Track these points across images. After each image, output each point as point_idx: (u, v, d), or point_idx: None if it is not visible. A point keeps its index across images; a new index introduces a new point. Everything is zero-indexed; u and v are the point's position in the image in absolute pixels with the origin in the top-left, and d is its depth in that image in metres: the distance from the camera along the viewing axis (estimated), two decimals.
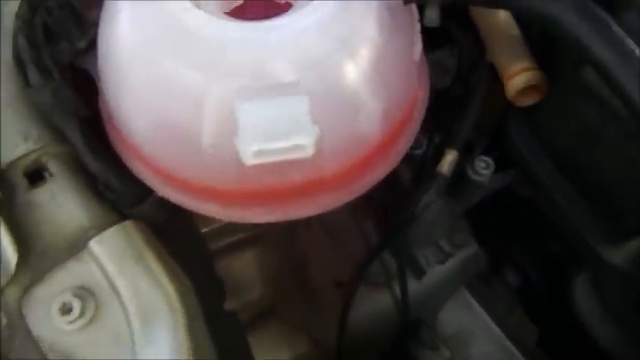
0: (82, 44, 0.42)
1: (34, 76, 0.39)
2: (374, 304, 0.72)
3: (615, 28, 0.31)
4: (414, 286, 0.72)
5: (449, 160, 0.42)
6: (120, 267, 0.35)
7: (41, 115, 0.40)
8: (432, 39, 0.53)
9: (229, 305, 0.63)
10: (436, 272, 0.73)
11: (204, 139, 0.33)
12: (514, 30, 0.41)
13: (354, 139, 0.36)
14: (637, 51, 0.31)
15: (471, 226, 0.74)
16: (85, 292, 0.34)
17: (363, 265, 0.61)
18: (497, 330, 0.84)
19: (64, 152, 0.40)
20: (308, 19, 0.32)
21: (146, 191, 0.40)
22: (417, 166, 0.52)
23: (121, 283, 0.34)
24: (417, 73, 0.40)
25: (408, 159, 0.58)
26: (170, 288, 0.34)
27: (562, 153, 0.40)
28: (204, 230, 0.65)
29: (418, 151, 0.57)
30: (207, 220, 0.66)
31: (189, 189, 0.38)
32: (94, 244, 0.35)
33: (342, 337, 0.65)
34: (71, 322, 0.33)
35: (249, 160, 0.31)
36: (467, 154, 0.45)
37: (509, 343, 0.86)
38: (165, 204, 0.40)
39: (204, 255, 0.49)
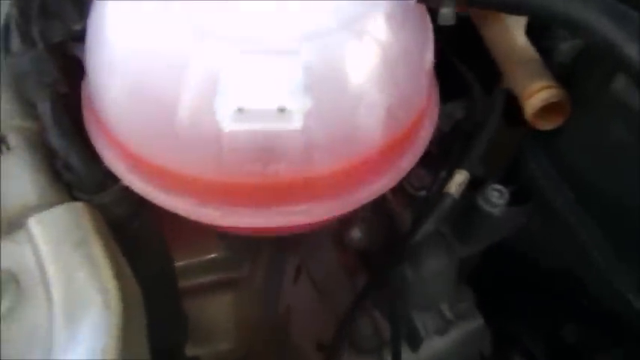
0: (76, 27, 0.40)
1: (16, 43, 0.37)
2: None
3: None
4: (408, 357, 0.64)
5: (458, 180, 0.37)
6: (56, 252, 0.29)
7: (14, 85, 0.37)
8: (442, 89, 0.52)
9: (194, 351, 0.54)
10: (434, 344, 0.65)
11: (182, 111, 0.29)
12: (532, 52, 0.38)
13: (353, 134, 0.31)
14: None
15: (476, 299, 0.67)
16: (8, 278, 0.28)
17: (344, 320, 0.53)
18: None
19: (27, 127, 0.36)
20: None
21: (109, 179, 0.35)
22: (419, 208, 0.47)
23: (52, 271, 0.28)
24: (427, 87, 0.37)
25: (409, 201, 0.54)
26: (111, 284, 0.28)
27: (586, 183, 0.35)
28: (178, 264, 0.59)
29: (422, 193, 0.52)
30: (182, 253, 0.60)
31: (158, 177, 0.33)
32: (33, 224, 0.30)
33: None
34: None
35: (227, 123, 0.26)
36: (477, 188, 0.40)
37: None
38: (128, 197, 0.35)
39: (167, 273, 0.42)
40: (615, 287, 0.34)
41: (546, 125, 0.36)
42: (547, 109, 0.36)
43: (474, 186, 0.42)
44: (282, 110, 0.26)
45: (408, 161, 0.36)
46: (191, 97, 0.28)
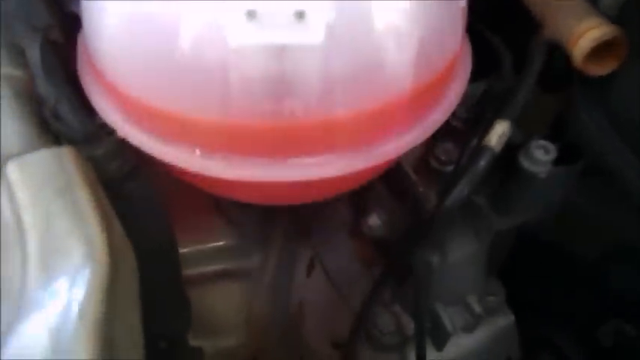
0: None
1: None
2: None
3: None
4: (432, 356, 0.58)
5: (499, 131, 0.32)
6: (35, 199, 0.24)
7: (4, 30, 0.33)
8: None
9: (196, 341, 0.49)
10: (461, 342, 0.59)
11: (183, 37, 0.25)
12: None
13: (380, 68, 0.27)
14: None
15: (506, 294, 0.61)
16: None
17: (361, 313, 0.48)
18: None
19: (17, 76, 0.32)
20: None
21: (102, 130, 0.31)
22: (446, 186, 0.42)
23: (28, 219, 0.24)
24: (462, 30, 0.33)
25: (435, 178, 0.49)
26: (98, 235, 0.24)
27: None
28: (182, 251, 0.54)
29: (449, 168, 0.47)
30: (188, 239, 0.56)
31: (157, 124, 0.29)
32: (11, 169, 0.26)
33: None
34: None
35: (235, 35, 0.22)
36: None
37: None
38: (123, 151, 0.31)
39: (167, 248, 0.37)
40: None
41: (599, 70, 0.31)
42: (599, 52, 0.31)
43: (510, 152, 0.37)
44: (300, 16, 0.22)
45: (440, 113, 0.32)
46: (193, 19, 0.24)
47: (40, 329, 0.20)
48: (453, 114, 0.52)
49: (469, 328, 0.57)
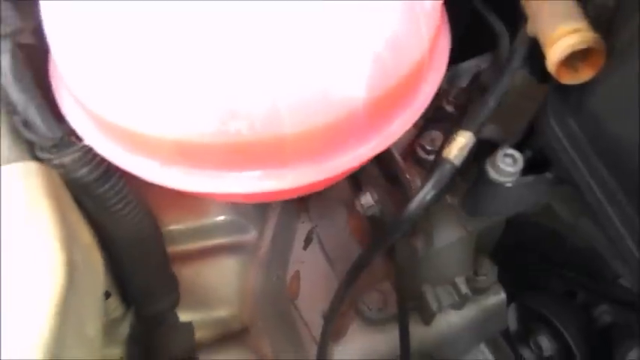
0: None
1: None
2: (368, 344, 0.60)
3: None
4: (420, 331, 0.60)
5: (460, 143, 0.31)
6: (4, 216, 0.27)
7: None
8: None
9: (189, 316, 0.53)
10: (450, 319, 0.61)
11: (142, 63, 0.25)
12: None
13: (329, 83, 0.27)
14: None
15: (499, 273, 0.62)
16: None
17: (340, 287, 0.50)
18: None
19: None
20: None
21: (71, 138, 0.32)
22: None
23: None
24: (429, 34, 0.31)
25: (421, 165, 0.49)
26: (56, 249, 0.26)
27: (620, 151, 0.28)
28: (174, 227, 0.57)
29: (433, 157, 0.47)
30: (184, 215, 0.58)
31: (121, 138, 0.30)
32: None
33: None
34: None
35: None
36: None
37: None
38: (93, 158, 0.33)
39: (151, 241, 0.40)
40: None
41: (573, 79, 0.29)
42: (575, 59, 0.29)
43: (489, 151, 0.36)
44: None
45: (400, 124, 0.31)
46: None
47: None
48: (446, 98, 0.51)
49: (458, 306, 0.59)
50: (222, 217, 0.60)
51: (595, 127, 0.30)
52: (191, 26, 0.25)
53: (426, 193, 0.32)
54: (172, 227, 0.54)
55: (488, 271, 0.59)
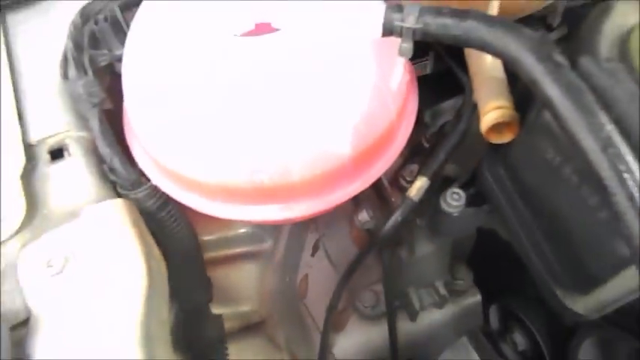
0: (119, 52, 0.50)
1: (72, 71, 0.47)
2: (364, 336, 0.72)
3: (569, 70, 0.33)
4: (407, 326, 0.72)
5: (418, 185, 0.44)
6: (103, 236, 0.39)
7: (72, 104, 0.48)
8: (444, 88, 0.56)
9: (220, 310, 0.66)
10: (432, 316, 0.72)
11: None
12: (499, 73, 0.43)
13: (323, 152, 0.39)
14: (589, 94, 0.32)
15: (482, 278, 0.73)
16: (68, 253, 0.39)
17: (336, 292, 0.62)
18: None
19: (84, 137, 0.47)
20: None
21: (143, 179, 0.45)
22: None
23: (96, 252, 0.39)
24: (396, 105, 0.43)
25: (403, 191, 0.60)
26: (140, 260, 0.38)
27: (530, 193, 0.40)
28: (207, 238, 0.70)
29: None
30: (215, 228, 0.71)
31: (178, 180, 0.43)
32: (86, 214, 0.41)
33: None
34: (52, 276, 0.38)
35: None
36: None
37: None
38: (157, 193, 0.45)
39: (191, 249, 0.52)
40: (551, 287, 0.40)
41: (499, 139, 0.41)
42: (500, 126, 0.41)
43: (447, 184, 0.48)
44: None
45: (376, 170, 0.43)
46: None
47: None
48: (424, 136, 0.62)
49: (438, 305, 0.71)
50: (243, 230, 0.73)
51: (514, 175, 0.42)
52: (231, 116, 0.38)
53: (395, 219, 0.45)
54: (205, 238, 0.66)
55: (465, 276, 0.71)
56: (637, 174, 0.30)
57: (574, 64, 0.34)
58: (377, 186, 0.63)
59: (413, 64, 0.67)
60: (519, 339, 0.82)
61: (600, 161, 0.30)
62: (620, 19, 0.36)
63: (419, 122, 0.58)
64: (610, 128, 0.31)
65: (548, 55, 0.34)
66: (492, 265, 0.73)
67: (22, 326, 0.37)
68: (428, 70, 0.59)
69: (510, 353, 0.84)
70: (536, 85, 0.33)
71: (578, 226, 0.37)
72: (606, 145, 0.30)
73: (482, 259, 0.72)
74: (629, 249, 0.30)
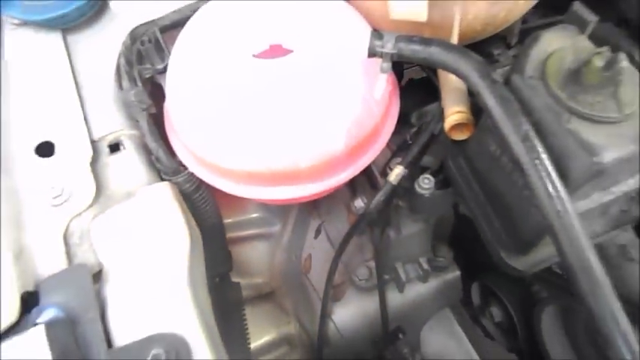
0: (160, 66, 0.62)
1: (125, 83, 0.59)
2: (359, 305, 0.84)
3: (501, 86, 0.45)
4: (397, 297, 0.84)
5: (396, 172, 0.56)
6: (154, 210, 0.52)
7: (125, 109, 0.60)
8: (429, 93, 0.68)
9: (237, 279, 0.78)
10: (418, 288, 0.84)
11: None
12: (461, 85, 0.55)
13: (323, 146, 0.52)
14: (515, 103, 0.44)
15: (464, 263, 0.85)
16: (127, 227, 0.51)
17: (333, 264, 0.74)
18: (476, 357, 0.92)
19: (135, 135, 0.60)
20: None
21: (181, 168, 0.57)
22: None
23: (150, 222, 0.51)
24: (380, 111, 0.55)
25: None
26: (184, 228, 0.51)
27: (482, 177, 0.52)
28: (226, 221, 0.82)
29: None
30: (232, 212, 0.84)
31: (211, 168, 0.55)
32: (141, 194, 0.53)
33: (323, 324, 0.77)
34: (117, 239, 0.50)
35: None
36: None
37: None
38: (192, 179, 0.58)
39: (218, 225, 0.65)
40: (499, 253, 0.52)
41: (459, 136, 0.53)
42: (460, 126, 0.53)
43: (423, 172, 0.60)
44: None
45: (364, 160, 0.56)
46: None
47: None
48: (409, 134, 0.74)
49: (422, 279, 0.83)
50: (256, 214, 0.85)
51: (470, 164, 0.54)
52: (252, 119, 0.50)
53: (378, 198, 0.57)
54: (225, 221, 0.79)
55: (446, 254, 0.83)
56: (545, 161, 0.42)
57: (507, 80, 0.47)
58: (370, 177, 0.75)
59: (407, 68, 0.80)
60: (496, 312, 0.93)
61: (520, 151, 0.42)
62: (544, 46, 0.48)
63: (406, 122, 0.71)
64: (528, 128, 0.43)
65: (487, 74, 0.46)
66: (473, 248, 0.85)
67: (97, 276, 0.50)
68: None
69: (489, 325, 0.96)
70: (479, 96, 0.46)
71: (513, 201, 0.49)
72: (524, 139, 0.42)
73: (464, 242, 0.83)
74: (542, 216, 0.42)
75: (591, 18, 0.48)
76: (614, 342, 0.39)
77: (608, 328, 0.39)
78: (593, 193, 0.46)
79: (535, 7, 0.64)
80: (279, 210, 0.88)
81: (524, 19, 0.71)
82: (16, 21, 0.66)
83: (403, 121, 0.71)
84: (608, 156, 0.41)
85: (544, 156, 0.42)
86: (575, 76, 0.44)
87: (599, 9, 0.57)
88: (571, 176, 0.42)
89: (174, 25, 0.64)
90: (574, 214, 0.40)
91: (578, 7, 0.49)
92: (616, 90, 0.43)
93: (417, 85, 0.76)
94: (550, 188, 0.41)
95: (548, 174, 0.41)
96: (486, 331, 0.97)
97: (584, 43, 0.48)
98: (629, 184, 0.48)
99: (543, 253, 0.51)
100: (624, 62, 0.42)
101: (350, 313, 0.83)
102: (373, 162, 0.58)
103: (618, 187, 0.48)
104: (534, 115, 0.44)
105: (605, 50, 0.44)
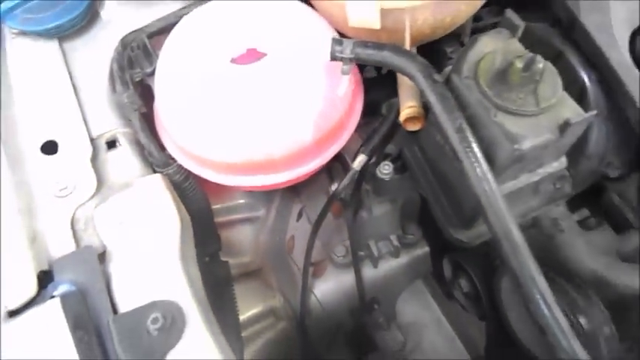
0: (148, 70, 0.70)
1: (118, 86, 0.67)
2: (338, 280, 0.92)
3: (441, 85, 0.53)
4: (371, 271, 0.93)
5: (359, 159, 0.64)
6: (147, 197, 0.60)
7: (119, 109, 0.67)
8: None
9: (225, 258, 0.87)
10: (391, 263, 0.93)
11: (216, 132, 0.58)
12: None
13: (294, 138, 0.60)
14: (452, 100, 0.52)
15: (431, 237, 0.94)
16: (125, 213, 0.59)
17: (310, 240, 0.83)
18: (447, 326, 1.02)
19: (128, 132, 0.67)
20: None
21: (171, 160, 0.65)
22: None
23: (145, 209, 0.59)
24: (343, 107, 0.63)
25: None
26: (174, 212, 0.59)
27: (432, 163, 0.61)
28: (217, 206, 0.90)
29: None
30: (220, 199, 0.92)
31: (196, 160, 0.63)
32: (137, 184, 0.61)
33: (305, 297, 0.86)
34: (117, 224, 0.58)
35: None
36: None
37: (456, 339, 1.03)
38: (181, 170, 0.66)
39: (207, 212, 0.73)
40: (447, 228, 0.60)
41: (413, 127, 0.61)
42: (413, 119, 0.61)
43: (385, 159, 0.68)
44: None
45: (332, 150, 0.64)
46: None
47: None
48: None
49: (394, 255, 0.91)
50: (242, 200, 0.94)
51: (423, 151, 0.62)
52: (231, 116, 0.58)
53: (344, 181, 0.65)
54: (213, 206, 0.87)
55: (415, 232, 0.91)
56: (475, 149, 0.50)
57: (448, 79, 0.54)
58: (343, 163, 0.83)
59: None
60: (464, 283, 1.02)
61: (455, 140, 0.50)
62: (480, 48, 0.56)
63: (378, 112, 0.79)
64: (462, 121, 0.51)
65: (430, 75, 0.54)
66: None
67: (102, 256, 0.57)
68: None
69: (459, 295, 1.05)
70: (423, 94, 0.54)
71: (456, 183, 0.57)
72: (458, 130, 0.50)
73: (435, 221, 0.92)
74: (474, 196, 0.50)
75: (520, 23, 0.56)
76: (532, 297, 0.48)
77: (528, 286, 0.48)
78: (520, 174, 0.55)
79: (486, 5, 0.71)
80: (264, 196, 0.96)
81: (479, 17, 0.79)
82: (15, 30, 0.73)
83: (375, 111, 0.79)
84: (527, 144, 0.50)
85: (474, 145, 0.50)
86: (502, 75, 0.52)
87: (537, 12, 0.65)
88: (497, 161, 0.51)
89: (160, 32, 0.71)
90: (498, 193, 0.49)
91: (510, 14, 0.57)
92: (536, 87, 0.51)
93: (387, 78, 0.84)
94: (478, 171, 0.49)
95: (477, 160, 0.49)
96: (461, 304, 1.06)
97: (515, 46, 0.56)
98: (553, 167, 0.57)
99: (483, 228, 0.59)
100: (540, 64, 0.50)
101: (330, 287, 0.91)
102: (347, 150, 0.67)
103: (544, 169, 0.56)
104: (468, 110, 0.52)
105: (526, 53, 0.52)
